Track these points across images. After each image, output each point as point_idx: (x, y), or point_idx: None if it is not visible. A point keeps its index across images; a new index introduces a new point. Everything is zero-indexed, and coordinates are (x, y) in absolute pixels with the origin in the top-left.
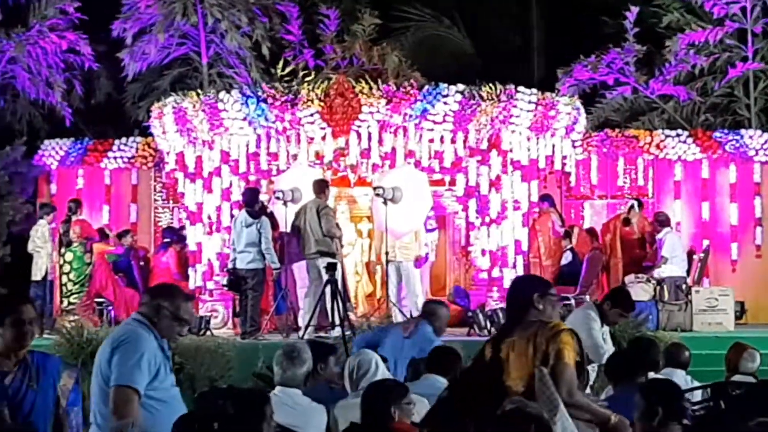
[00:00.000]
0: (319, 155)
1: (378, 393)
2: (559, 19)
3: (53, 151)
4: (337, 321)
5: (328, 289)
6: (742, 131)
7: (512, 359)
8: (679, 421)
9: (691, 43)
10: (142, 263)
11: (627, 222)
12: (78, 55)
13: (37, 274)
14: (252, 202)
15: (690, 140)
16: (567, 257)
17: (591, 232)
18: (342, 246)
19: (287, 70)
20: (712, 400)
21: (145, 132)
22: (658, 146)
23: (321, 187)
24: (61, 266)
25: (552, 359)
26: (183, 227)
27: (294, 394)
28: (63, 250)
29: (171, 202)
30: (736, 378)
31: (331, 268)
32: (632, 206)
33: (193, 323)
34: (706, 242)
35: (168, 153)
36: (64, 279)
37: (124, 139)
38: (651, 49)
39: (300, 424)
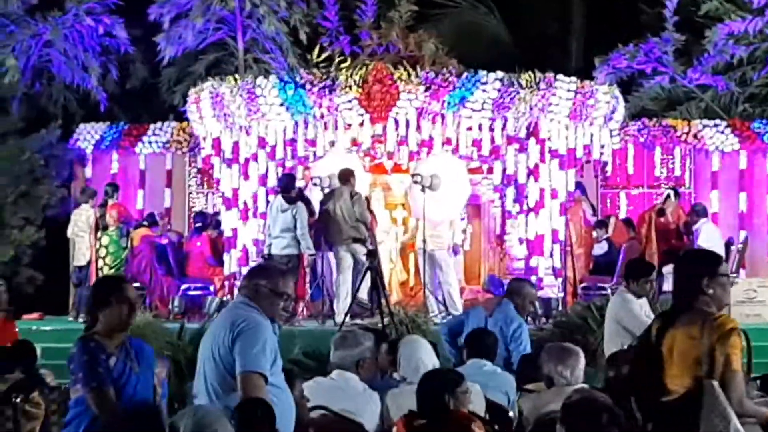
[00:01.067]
0: (356, 142)
1: (432, 381)
2: (596, 7)
3: (88, 135)
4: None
5: (368, 276)
6: None
7: (675, 356)
8: None
9: (731, 33)
10: (177, 248)
11: (661, 213)
12: (114, 39)
13: (81, 259)
14: (288, 188)
15: (728, 130)
16: (603, 247)
17: (627, 222)
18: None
19: (323, 56)
20: (762, 389)
21: (180, 117)
22: (695, 136)
23: (346, 176)
24: (97, 250)
25: (721, 366)
26: (217, 213)
27: (350, 378)
28: (99, 234)
29: (205, 187)
30: None
31: (371, 255)
32: (668, 196)
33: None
34: (743, 233)
35: (204, 138)
36: (101, 263)
37: (159, 124)
38: (689, 38)
39: (355, 410)
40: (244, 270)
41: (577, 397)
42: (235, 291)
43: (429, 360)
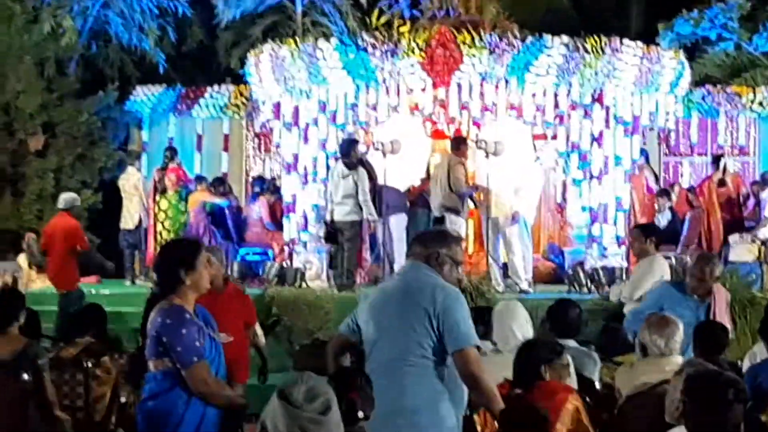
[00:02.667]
0: (417, 106)
1: (530, 352)
2: None
3: (145, 98)
4: None
5: None
6: None
7: None
8: None
9: None
10: (235, 213)
11: (722, 183)
12: (171, 1)
13: (128, 222)
14: (349, 153)
15: None
16: (666, 216)
17: (691, 190)
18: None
19: (382, 19)
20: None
21: (238, 80)
22: (761, 104)
23: (456, 143)
24: (155, 214)
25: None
26: (275, 177)
27: None
28: (158, 198)
29: (263, 151)
30: None
31: (438, 222)
32: (725, 165)
33: (290, 275)
34: None
35: (264, 102)
36: (159, 227)
37: (215, 87)
38: (755, 4)
39: None
40: (304, 236)
41: (701, 369)
42: (295, 256)
43: (519, 330)
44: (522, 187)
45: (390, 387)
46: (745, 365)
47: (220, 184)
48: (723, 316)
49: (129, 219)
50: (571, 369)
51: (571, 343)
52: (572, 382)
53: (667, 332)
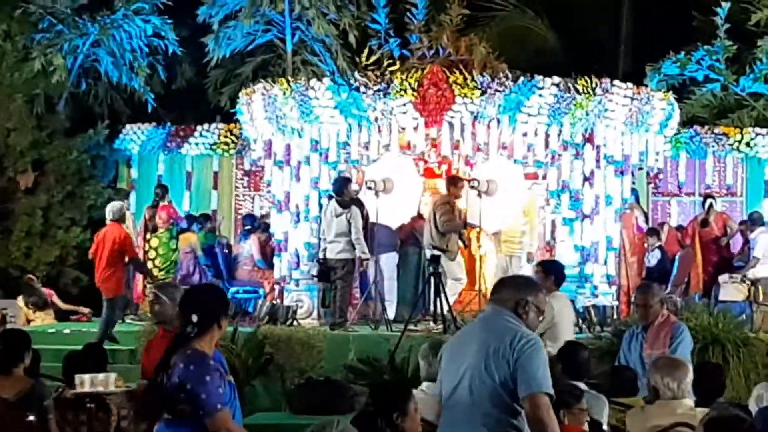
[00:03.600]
0: (409, 145)
1: None
2: (646, 14)
3: (135, 136)
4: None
5: (432, 282)
6: None
7: None
8: None
9: None
10: (225, 251)
11: (705, 223)
12: (161, 39)
13: None
14: (341, 191)
15: None
16: (656, 255)
17: (680, 229)
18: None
19: (372, 59)
20: None
21: (227, 118)
22: (748, 144)
23: (450, 182)
24: (146, 252)
25: None
26: (265, 215)
27: None
28: (149, 236)
29: (253, 189)
30: None
31: (434, 260)
32: (711, 205)
33: (281, 313)
34: None
35: (255, 140)
36: (150, 265)
37: (205, 125)
38: (741, 46)
39: None
40: (295, 273)
41: (725, 413)
42: (286, 295)
43: None
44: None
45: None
46: (752, 408)
47: (206, 221)
48: (655, 343)
49: None
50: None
51: (581, 385)
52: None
53: (678, 375)
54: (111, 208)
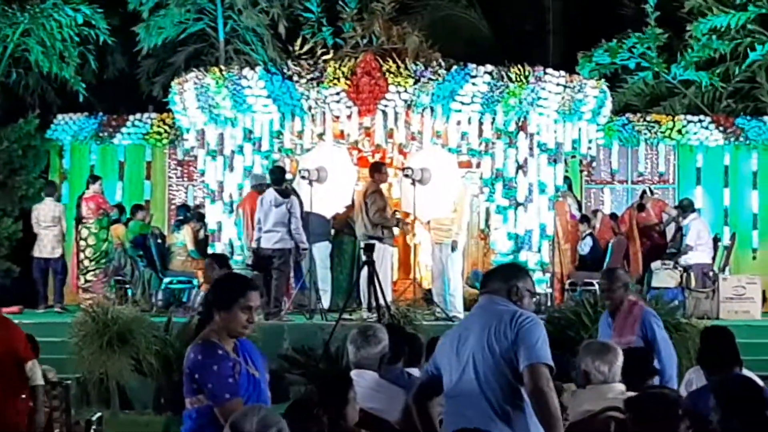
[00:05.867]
0: (343, 134)
1: None
2: (577, 2)
3: (66, 126)
4: (374, 304)
5: (364, 271)
6: (765, 118)
7: None
8: (763, 416)
9: (713, 28)
10: (159, 241)
11: (642, 208)
12: (92, 28)
13: (42, 251)
14: (280, 181)
15: (712, 126)
16: (587, 243)
17: (613, 217)
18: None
19: (305, 48)
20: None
21: (160, 108)
22: (680, 132)
23: (371, 170)
24: (77, 243)
25: None
26: (199, 205)
27: (372, 378)
28: (79, 227)
29: (186, 179)
30: None
31: (368, 249)
32: (644, 192)
33: None
34: (732, 230)
35: (188, 130)
36: (81, 256)
37: (138, 115)
38: (672, 34)
39: (378, 407)
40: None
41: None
42: None
43: None
44: (463, 213)
45: (477, 419)
46: (682, 392)
47: (136, 211)
48: (623, 330)
49: (43, 248)
50: None
51: None
52: None
53: (609, 359)
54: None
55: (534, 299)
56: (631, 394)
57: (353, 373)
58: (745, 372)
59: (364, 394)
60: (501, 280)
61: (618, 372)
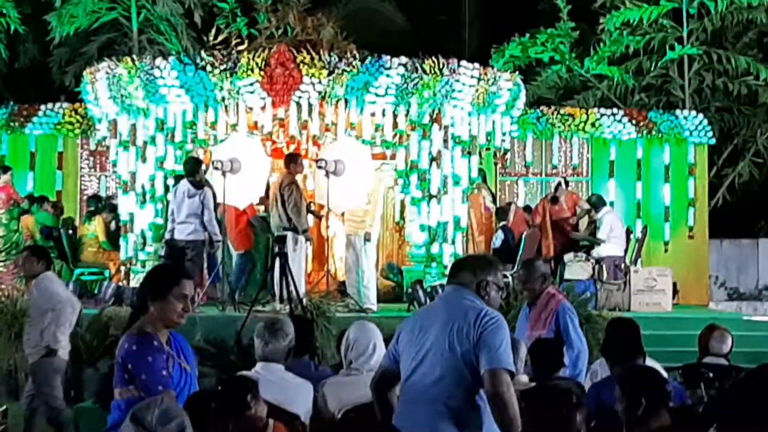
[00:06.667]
0: (257, 125)
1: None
2: None
3: None
4: (285, 295)
5: (277, 263)
6: (677, 112)
7: None
8: (666, 406)
9: (626, 22)
10: (70, 232)
11: (555, 200)
12: (3, 17)
13: None
14: (194, 172)
15: (625, 119)
16: (499, 236)
17: (527, 209)
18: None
19: (219, 38)
20: (685, 382)
21: (72, 98)
22: (593, 125)
23: (287, 161)
24: None
25: None
26: (111, 196)
27: (277, 369)
28: None
29: (98, 170)
30: (708, 360)
31: (280, 240)
32: (559, 184)
33: (127, 294)
34: (643, 223)
35: (100, 120)
36: None
37: (50, 105)
38: (586, 28)
39: (285, 399)
40: (141, 255)
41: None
42: (132, 276)
43: (375, 353)
44: (377, 205)
45: (426, 414)
46: (587, 383)
47: (43, 201)
48: (536, 323)
49: None
50: None
51: None
52: None
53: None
54: None
55: (501, 293)
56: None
57: (259, 366)
58: (649, 362)
59: (269, 387)
60: (471, 272)
61: (521, 364)
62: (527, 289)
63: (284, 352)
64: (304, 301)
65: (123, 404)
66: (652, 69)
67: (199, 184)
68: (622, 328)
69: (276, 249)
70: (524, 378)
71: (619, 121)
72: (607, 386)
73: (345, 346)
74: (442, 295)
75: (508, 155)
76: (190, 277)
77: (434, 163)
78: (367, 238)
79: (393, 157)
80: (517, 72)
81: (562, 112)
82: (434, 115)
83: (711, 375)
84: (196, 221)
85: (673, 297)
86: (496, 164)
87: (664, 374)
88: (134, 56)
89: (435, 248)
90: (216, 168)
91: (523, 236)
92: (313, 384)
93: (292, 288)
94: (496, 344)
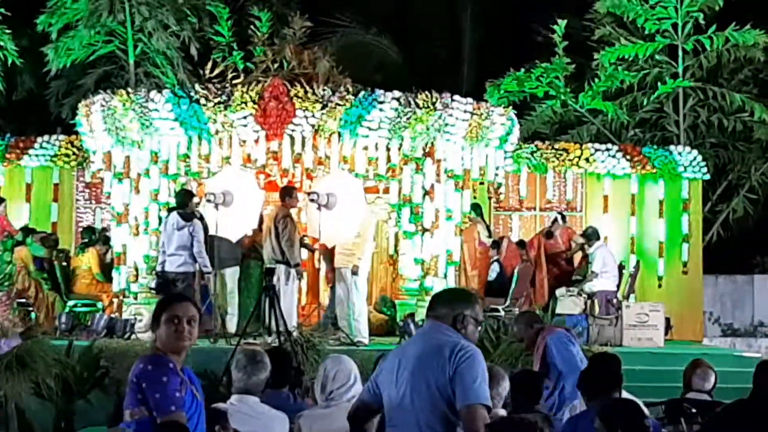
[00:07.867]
0: (250, 158)
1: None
2: (488, 31)
3: None
4: (275, 328)
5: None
6: (671, 147)
7: None
8: None
9: (622, 57)
10: (64, 264)
11: (550, 235)
12: (1, 49)
13: None
14: (184, 204)
15: (619, 155)
16: (494, 269)
17: (521, 244)
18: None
19: (216, 71)
20: (667, 417)
21: (69, 130)
22: (587, 160)
23: (282, 194)
24: None
25: None
26: (105, 228)
27: (253, 402)
28: None
29: (93, 202)
30: (691, 395)
31: (268, 273)
32: (555, 219)
33: (119, 327)
34: (636, 258)
35: (95, 152)
36: None
37: (46, 137)
38: (581, 63)
39: (259, 431)
40: (135, 287)
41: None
42: (125, 308)
43: (359, 376)
44: (368, 239)
45: None
46: (565, 416)
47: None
48: (535, 363)
49: None
50: None
51: None
52: None
53: (491, 384)
54: None
55: (479, 328)
56: None
57: (234, 398)
58: (626, 395)
59: (244, 419)
60: (447, 306)
61: (501, 398)
62: (524, 341)
63: (263, 384)
64: (294, 334)
65: (133, 425)
66: (646, 104)
67: (189, 216)
68: (601, 362)
69: (265, 282)
70: (502, 412)
71: (614, 156)
72: (584, 418)
73: (323, 378)
74: (419, 330)
75: (502, 189)
76: (185, 299)
77: (427, 197)
78: (354, 272)
79: (386, 190)
80: (510, 107)
81: (556, 146)
82: (427, 149)
83: (693, 410)
84: (186, 253)
85: (666, 332)
86: (490, 198)
87: (644, 409)
88: (129, 89)
89: (427, 282)
90: (208, 200)
91: (516, 271)
92: (289, 416)
93: (279, 321)
94: (471, 379)
